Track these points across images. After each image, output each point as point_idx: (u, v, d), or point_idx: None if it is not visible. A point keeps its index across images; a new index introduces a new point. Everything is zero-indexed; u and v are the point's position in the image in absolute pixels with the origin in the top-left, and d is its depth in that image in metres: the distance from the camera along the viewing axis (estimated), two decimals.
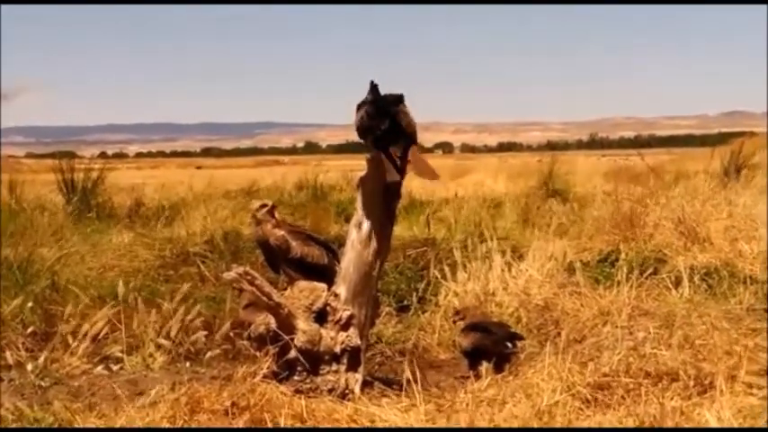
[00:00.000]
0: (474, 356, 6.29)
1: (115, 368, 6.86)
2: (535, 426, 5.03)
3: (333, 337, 5.76)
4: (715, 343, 5.84)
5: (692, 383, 5.33)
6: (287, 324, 5.62)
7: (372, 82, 5.69)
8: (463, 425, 5.11)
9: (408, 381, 5.51)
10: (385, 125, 5.63)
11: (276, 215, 6.17)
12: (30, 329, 7.39)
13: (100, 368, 6.83)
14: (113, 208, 14.99)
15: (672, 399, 5.16)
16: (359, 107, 5.75)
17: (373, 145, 5.74)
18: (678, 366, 5.50)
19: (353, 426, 5.20)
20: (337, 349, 5.76)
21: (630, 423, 4.98)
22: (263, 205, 6.22)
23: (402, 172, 5.76)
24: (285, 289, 5.97)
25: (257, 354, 5.80)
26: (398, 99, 5.73)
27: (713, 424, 4.81)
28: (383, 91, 5.74)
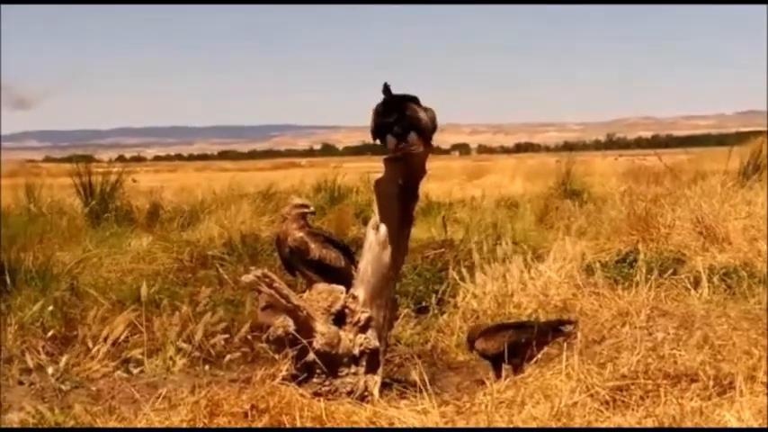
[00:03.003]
0: (500, 359, 6.23)
1: (135, 371, 6.89)
2: (554, 426, 5.03)
3: (351, 340, 5.77)
4: (734, 343, 5.82)
5: (711, 384, 5.30)
6: (305, 326, 5.63)
7: (385, 84, 5.69)
8: (482, 426, 5.11)
9: (425, 384, 5.50)
10: (392, 118, 5.64)
11: (306, 220, 6.19)
12: (50, 333, 7.43)
13: (120, 371, 6.86)
14: (132, 212, 15.00)
15: (691, 400, 5.14)
16: (375, 111, 5.78)
17: (384, 142, 5.75)
18: (697, 367, 5.47)
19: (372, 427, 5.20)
20: (356, 351, 5.77)
21: (650, 424, 4.96)
22: (303, 205, 6.24)
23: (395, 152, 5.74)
24: (303, 291, 5.99)
25: (276, 356, 5.82)
26: (410, 98, 5.74)
27: (733, 425, 4.80)
28: (398, 93, 5.75)
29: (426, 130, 5.78)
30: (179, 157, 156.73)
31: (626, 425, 5.01)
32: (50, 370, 6.63)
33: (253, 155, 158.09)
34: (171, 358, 7.06)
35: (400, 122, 5.67)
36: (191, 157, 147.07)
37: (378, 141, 5.81)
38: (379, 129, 5.76)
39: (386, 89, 5.66)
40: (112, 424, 5.50)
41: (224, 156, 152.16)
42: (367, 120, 5.82)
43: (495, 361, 6.24)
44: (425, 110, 5.79)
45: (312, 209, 6.33)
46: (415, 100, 5.76)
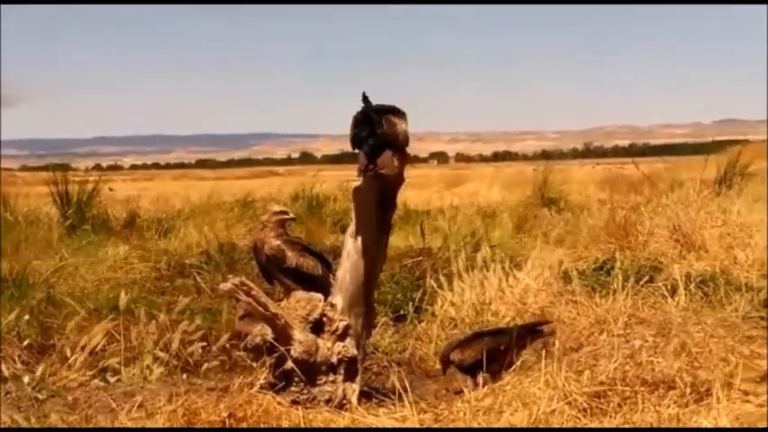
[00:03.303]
0: (477, 367, 6.22)
1: (112, 380, 6.84)
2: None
3: (329, 348, 5.76)
4: (711, 350, 5.85)
5: (688, 391, 5.33)
6: (283, 335, 5.62)
7: (364, 93, 5.67)
8: None
9: (405, 391, 5.50)
10: (365, 132, 5.63)
11: (285, 228, 6.18)
12: (26, 342, 7.38)
13: (97, 380, 6.82)
14: (108, 220, 14.95)
15: (669, 407, 5.17)
16: (354, 119, 5.75)
17: (364, 154, 5.73)
18: (675, 374, 5.50)
19: None
20: (334, 359, 5.76)
21: None
22: (283, 212, 6.23)
23: (365, 173, 5.72)
24: (281, 300, 5.97)
25: (254, 365, 5.80)
26: (387, 109, 5.72)
27: None
28: (378, 102, 5.72)
29: (402, 146, 5.77)
30: (156, 165, 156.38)
31: None
32: (26, 379, 6.58)
33: (231, 163, 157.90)
34: (148, 367, 7.03)
35: (373, 138, 5.64)
36: (168, 166, 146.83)
37: (356, 150, 5.79)
38: (354, 140, 5.74)
39: (365, 99, 5.64)
40: None
41: (202, 164, 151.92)
42: (346, 128, 5.81)
43: (473, 370, 6.23)
44: (402, 119, 5.76)
45: (292, 215, 6.32)
46: (394, 110, 5.73)
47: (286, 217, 6.21)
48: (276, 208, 6.34)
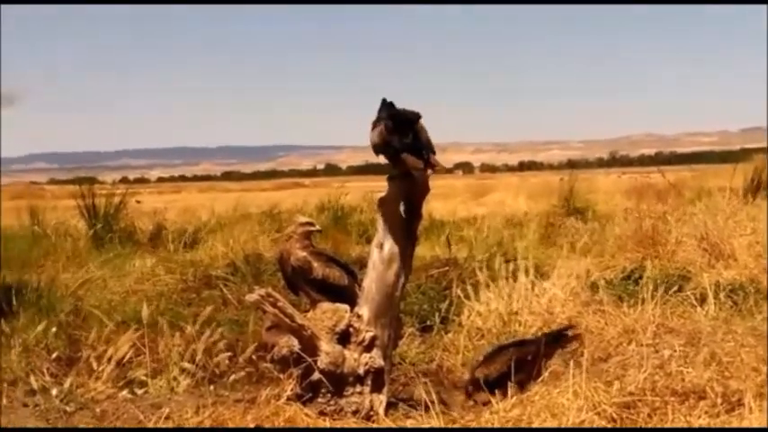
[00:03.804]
0: (505, 378, 6.16)
1: (140, 392, 6.84)
2: None
3: (356, 359, 5.74)
4: (742, 360, 5.80)
5: (719, 401, 5.28)
6: (310, 346, 5.61)
7: (384, 99, 5.65)
8: None
9: (432, 402, 5.47)
10: (408, 139, 5.62)
11: (311, 239, 6.17)
12: (54, 355, 7.40)
13: (124, 392, 6.83)
14: (135, 233, 14.99)
15: (699, 417, 5.13)
16: (374, 124, 5.72)
17: (391, 160, 5.72)
18: (705, 384, 5.45)
19: None
20: (361, 370, 5.74)
21: None
22: (309, 223, 6.22)
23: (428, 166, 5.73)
24: (308, 311, 5.96)
25: (281, 376, 5.79)
26: (417, 116, 5.71)
27: None
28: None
29: (427, 149, 5.77)
30: (183, 178, 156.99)
31: None
32: (54, 391, 6.59)
33: (256, 175, 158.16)
34: (175, 378, 7.03)
35: (416, 142, 5.65)
36: (195, 178, 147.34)
37: (381, 157, 5.77)
38: (387, 145, 5.70)
39: (388, 105, 5.62)
40: None
41: (228, 176, 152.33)
42: (368, 138, 5.78)
43: (499, 383, 6.15)
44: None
45: (318, 227, 6.30)
46: (418, 116, 5.73)
47: (312, 228, 6.19)
48: (302, 219, 6.33)
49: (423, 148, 5.65)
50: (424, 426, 5.37)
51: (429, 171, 5.74)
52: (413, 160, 5.65)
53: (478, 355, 6.60)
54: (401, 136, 5.61)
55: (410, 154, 5.63)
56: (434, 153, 5.76)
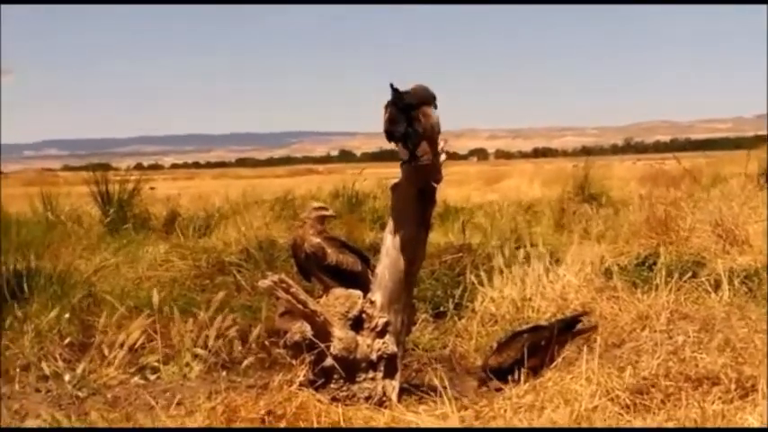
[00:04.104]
0: (518, 365, 6.13)
1: (152, 378, 6.86)
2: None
3: (369, 345, 5.74)
4: (756, 346, 5.78)
5: (733, 387, 5.26)
6: (323, 332, 5.60)
7: (392, 85, 5.60)
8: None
9: (445, 388, 5.45)
10: (402, 128, 5.57)
11: (324, 224, 6.15)
12: (67, 340, 7.43)
13: (137, 378, 6.84)
14: (149, 219, 15.00)
15: (713, 403, 5.09)
16: (386, 108, 5.67)
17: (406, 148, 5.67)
18: (719, 370, 5.43)
19: None
20: (374, 356, 5.73)
21: (671, 427, 4.92)
22: (323, 208, 6.21)
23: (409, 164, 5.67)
24: (320, 297, 5.95)
25: (293, 362, 5.78)
26: (420, 100, 5.65)
27: (756, 427, 4.75)
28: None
29: (435, 136, 5.72)
30: (196, 164, 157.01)
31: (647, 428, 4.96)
32: (67, 377, 6.61)
33: (270, 162, 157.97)
34: (187, 364, 7.04)
35: (413, 133, 5.59)
36: (208, 165, 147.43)
37: (391, 142, 5.73)
38: (391, 135, 5.68)
39: (395, 90, 5.57)
40: None
41: (241, 163, 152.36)
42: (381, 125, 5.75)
43: (513, 370, 6.12)
44: (433, 107, 5.70)
45: (331, 212, 6.28)
46: (426, 101, 5.67)
47: (326, 213, 6.18)
48: (315, 204, 6.32)
49: (414, 136, 5.59)
50: (436, 413, 5.35)
51: (415, 162, 5.66)
52: (401, 151, 5.62)
53: (493, 343, 6.59)
54: (397, 125, 5.56)
55: (412, 143, 5.59)
56: (435, 140, 5.70)
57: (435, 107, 5.75)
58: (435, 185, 5.87)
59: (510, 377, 6.05)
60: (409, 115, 5.55)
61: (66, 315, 7.81)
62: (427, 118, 5.62)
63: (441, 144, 5.79)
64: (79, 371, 6.70)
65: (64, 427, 5.61)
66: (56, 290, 8.55)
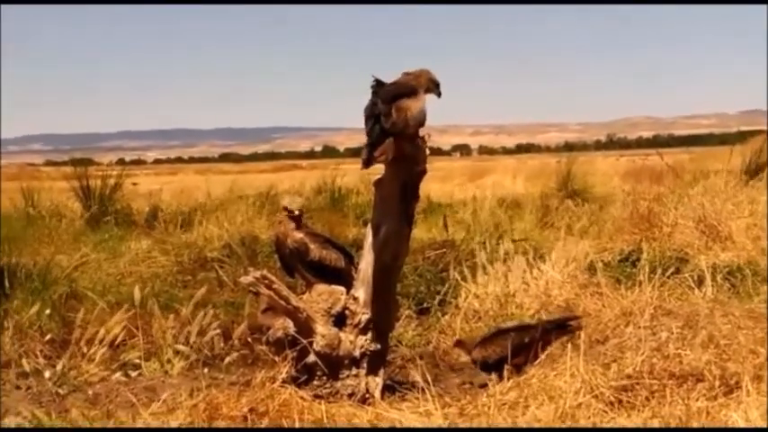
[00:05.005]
0: (502, 363, 6.12)
1: (133, 374, 6.81)
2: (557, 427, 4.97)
3: (352, 341, 5.71)
4: (740, 342, 5.76)
5: (717, 384, 5.24)
6: (305, 328, 5.57)
7: (374, 77, 5.52)
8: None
9: (428, 384, 5.42)
10: (368, 126, 5.47)
11: (301, 221, 6.08)
12: (48, 336, 7.37)
13: (118, 375, 6.79)
14: (131, 214, 14.94)
15: (697, 400, 5.09)
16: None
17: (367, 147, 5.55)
18: (703, 367, 5.41)
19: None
20: (357, 353, 5.71)
21: (656, 424, 4.90)
22: (287, 209, 6.12)
23: (369, 163, 5.52)
24: (303, 293, 5.92)
25: (276, 358, 5.74)
26: (400, 91, 5.52)
27: (740, 425, 4.74)
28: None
29: (414, 131, 5.60)
30: (180, 159, 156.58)
31: (631, 425, 4.95)
32: (47, 374, 6.56)
33: (254, 157, 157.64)
34: (169, 361, 6.99)
35: (373, 131, 5.45)
36: (192, 160, 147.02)
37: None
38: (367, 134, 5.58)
39: (377, 83, 5.49)
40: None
41: (225, 158, 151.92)
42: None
43: (497, 367, 6.12)
44: (416, 98, 5.52)
45: (298, 209, 6.12)
46: (406, 93, 5.54)
47: (294, 214, 6.02)
48: (284, 202, 6.19)
49: (375, 136, 5.45)
50: (420, 409, 5.32)
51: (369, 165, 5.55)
52: (363, 152, 5.52)
53: (471, 339, 6.57)
54: (371, 124, 5.47)
55: (375, 139, 5.49)
56: (415, 131, 5.57)
57: (439, 95, 5.68)
58: (419, 173, 5.75)
59: (494, 372, 6.04)
60: (378, 114, 5.44)
61: (47, 311, 7.75)
62: (402, 111, 5.44)
63: (425, 136, 5.67)
64: (59, 368, 6.65)
65: (43, 428, 5.55)
66: (36, 285, 8.49)
